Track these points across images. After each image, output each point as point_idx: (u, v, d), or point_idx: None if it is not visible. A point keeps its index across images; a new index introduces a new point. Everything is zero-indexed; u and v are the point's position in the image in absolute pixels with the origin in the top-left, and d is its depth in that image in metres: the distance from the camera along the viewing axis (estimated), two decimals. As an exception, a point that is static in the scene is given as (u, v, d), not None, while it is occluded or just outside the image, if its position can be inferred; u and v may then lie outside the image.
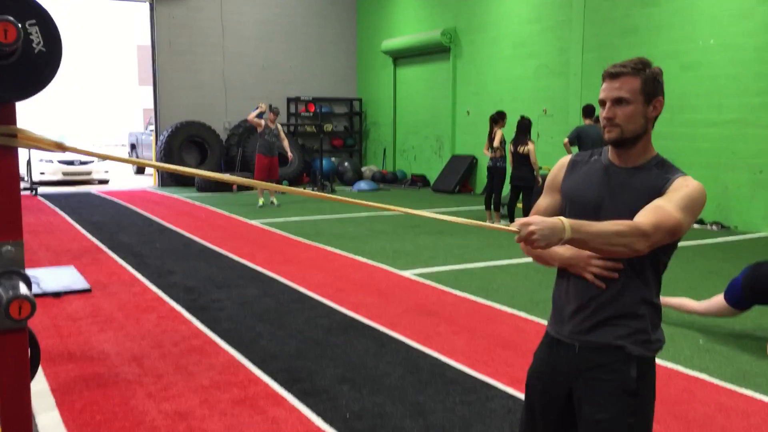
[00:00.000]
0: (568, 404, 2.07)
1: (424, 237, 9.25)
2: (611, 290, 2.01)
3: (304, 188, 15.96)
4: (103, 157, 2.08)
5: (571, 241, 1.79)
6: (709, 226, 10.24)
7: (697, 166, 10.29)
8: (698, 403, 3.82)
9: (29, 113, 29.55)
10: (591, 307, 2.03)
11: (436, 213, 2.11)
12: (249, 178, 15.71)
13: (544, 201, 2.23)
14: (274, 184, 2.21)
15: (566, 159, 2.21)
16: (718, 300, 4.95)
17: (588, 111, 10.20)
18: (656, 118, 2.04)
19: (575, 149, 9.87)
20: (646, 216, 1.87)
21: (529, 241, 1.77)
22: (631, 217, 1.92)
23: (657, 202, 1.92)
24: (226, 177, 2.16)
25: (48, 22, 1.93)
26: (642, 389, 1.99)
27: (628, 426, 1.96)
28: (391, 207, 2.21)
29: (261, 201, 12.81)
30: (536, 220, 1.76)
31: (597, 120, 10.10)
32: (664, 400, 3.73)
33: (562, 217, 1.79)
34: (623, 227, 1.82)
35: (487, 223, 2.05)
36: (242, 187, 15.78)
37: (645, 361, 2.00)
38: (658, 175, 1.99)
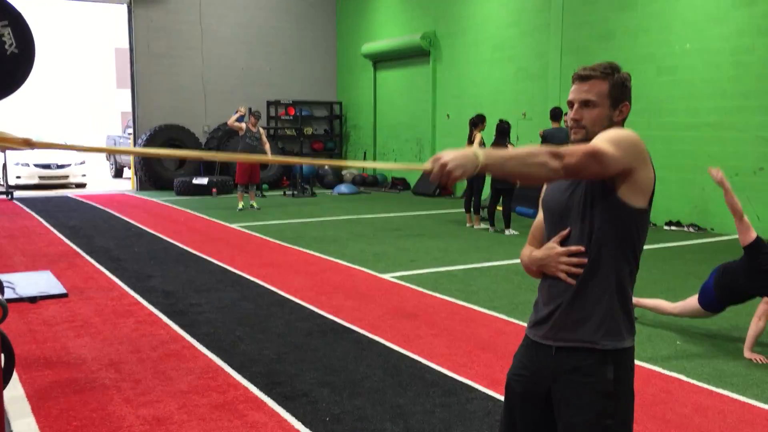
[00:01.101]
0: (547, 406, 2.08)
1: (404, 240, 9.25)
2: (580, 287, 2.02)
3: (284, 192, 15.91)
4: (73, 149, 2.06)
5: (486, 167, 1.77)
6: (685, 228, 10.35)
7: (673, 168, 10.40)
8: (676, 403, 3.86)
9: (3, 115, 29.19)
10: (563, 307, 2.04)
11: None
12: (228, 181, 15.63)
13: (539, 218, 2.25)
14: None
15: None
16: (693, 303, 4.99)
17: (555, 114, 10.28)
18: (623, 122, 2.07)
19: None
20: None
21: (445, 174, 1.74)
22: (596, 226, 1.97)
23: None
24: (208, 155, 2.16)
25: (21, 23, 1.91)
26: (620, 391, 2.00)
27: (606, 428, 1.97)
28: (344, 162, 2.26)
29: (241, 204, 12.75)
30: (446, 152, 1.75)
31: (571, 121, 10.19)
32: (642, 401, 3.75)
33: (474, 147, 1.79)
34: (535, 148, 1.83)
35: (403, 165, 2.12)
36: (222, 191, 15.70)
37: (621, 360, 2.01)
38: None
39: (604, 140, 1.92)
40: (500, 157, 1.80)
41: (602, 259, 2.00)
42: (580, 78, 2.05)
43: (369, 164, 2.21)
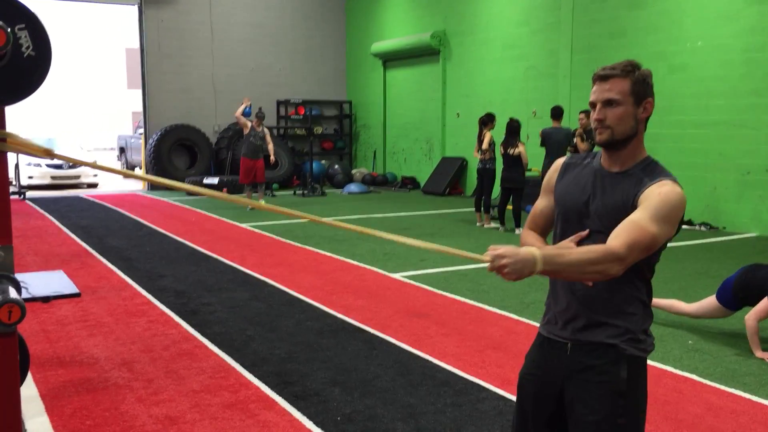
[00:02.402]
0: (559, 405, 2.08)
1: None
2: (601, 288, 2.01)
3: (294, 191, 15.94)
4: (91, 166, 2.08)
5: (544, 273, 1.80)
6: (697, 227, 10.30)
7: (685, 167, 10.35)
8: (687, 403, 3.85)
9: (18, 116, 29.39)
10: (581, 306, 2.04)
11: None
12: (237, 180, 15.64)
13: (540, 203, 2.25)
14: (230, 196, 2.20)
15: (560, 161, 2.22)
16: (710, 301, 4.99)
17: (556, 113, 10.24)
18: (647, 119, 2.05)
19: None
20: (619, 237, 1.86)
21: (501, 273, 1.78)
22: (613, 224, 1.93)
23: (632, 217, 1.90)
24: (208, 192, 2.14)
25: (37, 26, 1.93)
26: (633, 390, 1.99)
27: (619, 427, 1.97)
28: (362, 229, 2.21)
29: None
30: (509, 253, 1.76)
31: (587, 119, 10.15)
32: (654, 401, 3.75)
33: (534, 250, 1.78)
34: (596, 254, 1.82)
35: (457, 251, 2.00)
36: (232, 191, 15.74)
37: (636, 362, 2.01)
38: (638, 181, 1.99)
39: (657, 219, 1.89)
40: (559, 264, 1.81)
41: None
42: (601, 78, 2.02)
43: (415, 243, 2.07)
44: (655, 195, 1.92)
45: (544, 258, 1.78)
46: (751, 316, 4.62)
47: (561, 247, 2.06)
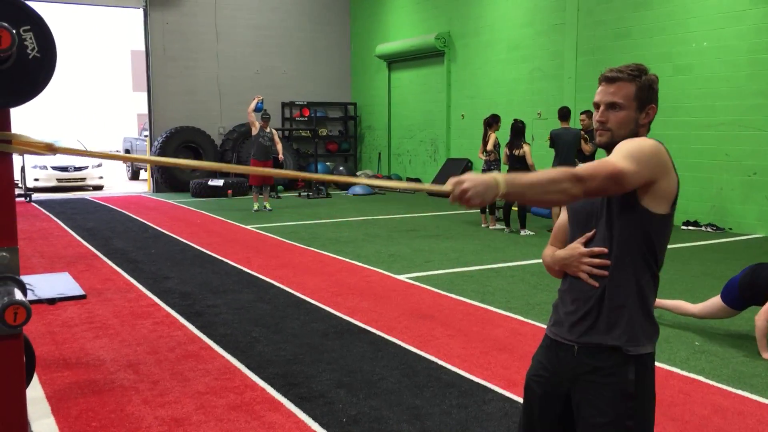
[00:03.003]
0: (566, 407, 2.07)
1: (419, 241, 9.25)
2: (605, 289, 2.01)
3: (299, 193, 15.96)
4: (94, 155, 2.08)
5: (508, 195, 1.77)
6: (703, 228, 10.27)
7: (690, 168, 10.33)
8: (694, 404, 3.83)
9: (23, 119, 29.49)
10: (586, 308, 2.03)
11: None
12: (244, 183, 15.68)
13: (562, 216, 2.25)
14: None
15: None
16: (715, 301, 4.97)
17: (563, 114, 10.22)
18: (649, 124, 2.05)
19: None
20: (585, 165, 1.88)
21: (464, 200, 1.74)
22: (619, 231, 1.96)
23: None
24: (224, 166, 2.17)
25: (43, 28, 1.93)
26: (641, 392, 1.98)
27: (627, 429, 1.96)
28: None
29: (256, 206, 12.80)
30: (469, 177, 1.74)
31: (589, 119, 10.13)
32: (661, 402, 3.73)
33: (495, 173, 1.77)
34: (557, 174, 1.81)
35: (420, 185, 2.10)
36: (237, 193, 15.76)
37: (643, 363, 2.00)
38: None
39: (623, 156, 1.89)
40: (521, 184, 1.79)
41: (625, 263, 1.99)
42: (607, 80, 2.03)
43: (383, 183, 2.18)
44: (624, 143, 1.97)
45: (506, 180, 1.76)
46: (761, 316, 4.59)
47: (571, 248, 2.08)
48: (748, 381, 4.19)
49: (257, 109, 12.90)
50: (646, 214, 1.96)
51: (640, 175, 1.89)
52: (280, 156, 13.03)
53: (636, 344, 1.99)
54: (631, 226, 1.98)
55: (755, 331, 4.65)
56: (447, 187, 1.76)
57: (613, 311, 2.00)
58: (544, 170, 1.83)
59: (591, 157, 9.65)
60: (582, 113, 10.25)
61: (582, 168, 1.84)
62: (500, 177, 1.76)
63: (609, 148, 2.04)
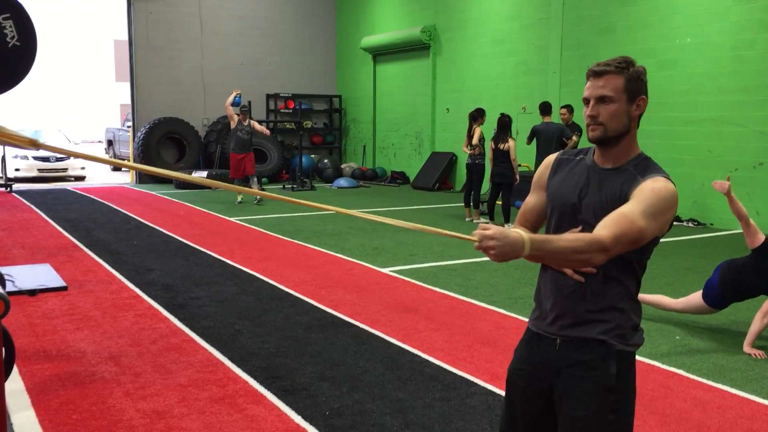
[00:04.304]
0: (548, 400, 2.07)
1: (403, 234, 9.25)
2: (591, 284, 2.01)
3: (284, 186, 15.90)
4: (77, 156, 2.05)
5: (530, 258, 1.79)
6: (685, 223, 10.35)
7: (673, 163, 10.40)
8: (675, 398, 3.86)
9: (2, 108, 29.12)
10: (571, 302, 2.03)
11: (399, 221, 2.09)
12: (228, 174, 15.58)
13: (531, 199, 2.23)
14: (238, 186, 2.20)
15: (552, 158, 2.21)
16: (696, 299, 5.00)
17: (544, 109, 10.25)
18: (640, 116, 2.04)
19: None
20: (607, 227, 1.85)
21: (486, 254, 1.77)
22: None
23: (621, 209, 1.89)
24: (197, 179, 2.13)
25: (22, 16, 1.90)
26: (622, 386, 1.99)
27: (609, 422, 1.97)
28: (326, 207, 2.22)
29: (240, 197, 12.75)
30: (498, 236, 1.74)
31: (569, 114, 10.19)
32: (642, 396, 3.76)
33: (524, 234, 1.76)
34: (582, 243, 1.81)
35: (440, 230, 2.01)
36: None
37: (625, 358, 2.01)
38: (630, 177, 1.98)
39: (645, 213, 1.87)
40: (546, 251, 1.80)
41: (614, 263, 1.97)
42: (595, 74, 2.01)
43: (410, 225, 2.07)
44: (648, 190, 1.92)
45: (532, 243, 1.76)
46: (759, 316, 4.63)
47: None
48: (728, 375, 4.23)
49: (235, 104, 12.84)
50: None
51: (656, 231, 1.92)
52: (266, 131, 13.26)
53: (619, 340, 1.99)
54: None
55: (751, 325, 4.66)
56: (474, 237, 1.78)
57: (597, 306, 2.00)
58: (572, 236, 1.84)
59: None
60: (562, 107, 10.29)
61: (608, 235, 1.82)
62: (527, 239, 1.76)
63: (602, 142, 2.02)
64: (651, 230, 1.88)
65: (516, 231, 1.77)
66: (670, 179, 1.97)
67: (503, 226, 9.70)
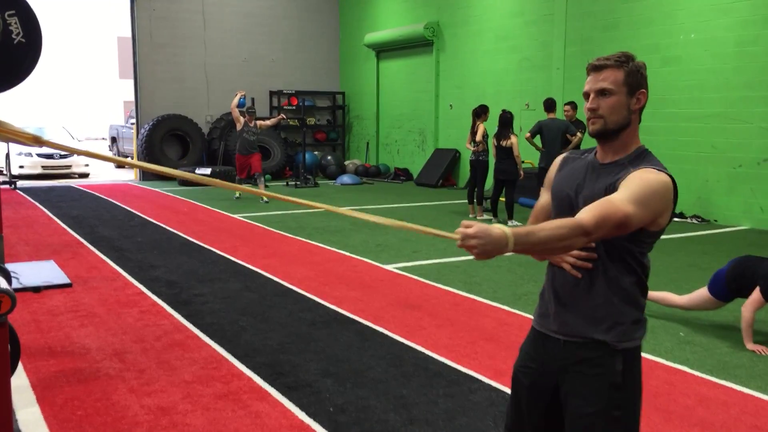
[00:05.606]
0: (554, 398, 2.07)
1: (407, 231, 9.24)
2: (590, 281, 2.01)
3: (287, 183, 15.91)
4: (80, 153, 2.06)
5: (516, 251, 1.78)
6: (689, 219, 10.34)
7: (677, 159, 10.38)
8: (679, 394, 3.86)
9: (7, 105, 29.17)
10: (571, 299, 2.04)
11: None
12: (232, 171, 15.61)
13: (542, 199, 2.25)
14: (242, 186, 2.21)
15: (559, 158, 2.23)
16: (701, 293, 5.00)
17: (549, 105, 10.24)
18: (641, 110, 2.04)
19: (538, 142, 10.02)
20: (589, 211, 1.84)
21: (470, 252, 1.75)
22: None
23: (609, 196, 1.89)
24: (201, 178, 2.13)
25: (28, 13, 1.90)
26: (628, 383, 2.00)
27: (615, 419, 1.97)
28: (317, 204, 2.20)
29: (238, 193, 12.77)
30: (480, 234, 1.72)
31: (573, 110, 10.18)
32: (646, 392, 3.73)
33: (507, 230, 1.75)
34: (564, 230, 1.80)
35: (423, 228, 1.98)
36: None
37: (630, 354, 2.01)
38: (623, 169, 1.98)
39: (631, 199, 1.85)
40: (531, 243, 1.78)
41: (612, 258, 1.98)
42: (595, 68, 2.02)
43: (391, 222, 2.04)
44: (636, 178, 1.92)
45: (516, 238, 1.75)
46: (747, 307, 4.63)
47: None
48: (732, 371, 4.22)
49: (240, 105, 12.86)
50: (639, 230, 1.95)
51: (644, 218, 1.89)
52: (281, 116, 13.79)
53: (622, 339, 1.99)
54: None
55: (741, 322, 4.69)
56: (455, 236, 1.76)
57: (600, 304, 2.00)
58: (553, 225, 1.82)
59: (578, 146, 9.70)
60: (566, 104, 10.27)
61: (589, 219, 1.81)
62: (510, 236, 1.74)
63: (602, 135, 2.02)
64: (638, 216, 1.85)
65: (499, 227, 1.75)
66: (666, 171, 1.95)
67: (507, 224, 9.73)
